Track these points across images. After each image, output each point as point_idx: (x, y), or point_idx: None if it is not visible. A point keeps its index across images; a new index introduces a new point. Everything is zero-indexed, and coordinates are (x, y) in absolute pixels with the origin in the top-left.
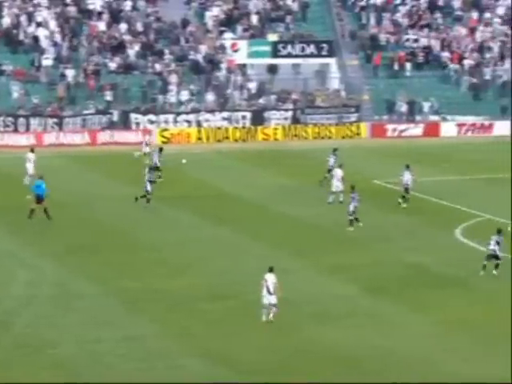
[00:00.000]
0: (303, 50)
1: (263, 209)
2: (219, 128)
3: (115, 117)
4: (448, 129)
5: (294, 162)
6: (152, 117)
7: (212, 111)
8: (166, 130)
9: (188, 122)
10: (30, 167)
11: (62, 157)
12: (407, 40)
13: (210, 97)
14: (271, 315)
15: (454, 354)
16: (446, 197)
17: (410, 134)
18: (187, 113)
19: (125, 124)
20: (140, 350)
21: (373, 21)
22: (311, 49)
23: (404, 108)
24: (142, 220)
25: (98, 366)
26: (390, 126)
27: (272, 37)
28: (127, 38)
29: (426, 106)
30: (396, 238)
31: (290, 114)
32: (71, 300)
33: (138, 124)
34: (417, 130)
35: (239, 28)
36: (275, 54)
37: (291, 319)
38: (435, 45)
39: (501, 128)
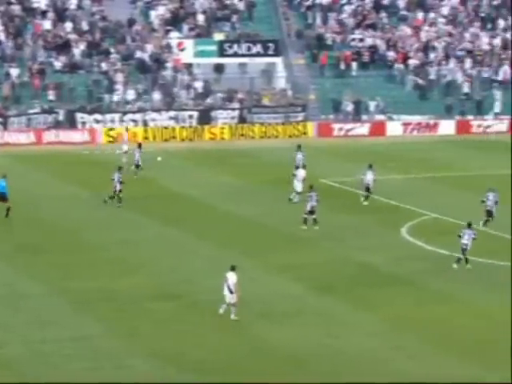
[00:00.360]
0: (249, 49)
1: (210, 208)
2: (166, 127)
3: (61, 116)
4: (394, 128)
5: (240, 162)
6: (98, 116)
7: (158, 110)
8: (112, 129)
9: (134, 121)
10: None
11: (6, 156)
12: (353, 40)
13: (157, 96)
14: (232, 315)
15: (400, 352)
16: (393, 196)
17: (356, 133)
18: (133, 112)
19: (70, 123)
20: (87, 349)
21: (319, 20)
22: (257, 48)
23: (350, 107)
24: (89, 220)
25: (44, 366)
26: (336, 126)
27: (218, 36)
28: (72, 36)
29: (372, 105)
30: (344, 237)
31: (236, 113)
32: (18, 300)
33: (83, 123)
34: (363, 129)
35: (185, 27)
36: (221, 53)
37: (239, 318)
38: (381, 44)
39: (446, 127)
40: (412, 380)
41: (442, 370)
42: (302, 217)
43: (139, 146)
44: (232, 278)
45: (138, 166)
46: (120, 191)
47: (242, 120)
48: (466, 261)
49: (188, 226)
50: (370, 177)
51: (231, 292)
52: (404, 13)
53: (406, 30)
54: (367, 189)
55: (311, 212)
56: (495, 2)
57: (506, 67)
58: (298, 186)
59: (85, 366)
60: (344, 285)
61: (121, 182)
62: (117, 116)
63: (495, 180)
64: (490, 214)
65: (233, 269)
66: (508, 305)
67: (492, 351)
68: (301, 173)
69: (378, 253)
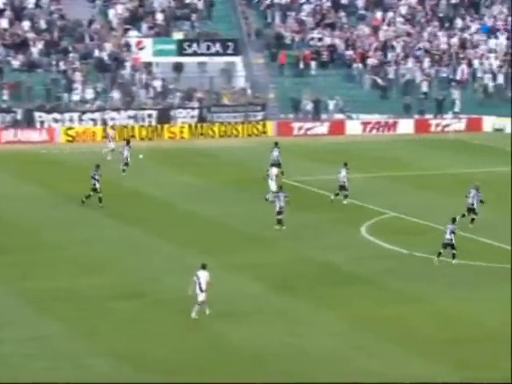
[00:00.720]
0: (209, 48)
1: (172, 208)
2: (125, 126)
3: (19, 115)
4: (353, 127)
5: (200, 161)
6: (57, 115)
7: (117, 110)
8: (70, 128)
9: (93, 120)
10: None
11: None
12: (312, 39)
13: (116, 95)
14: (194, 313)
15: (361, 351)
16: (353, 195)
17: (315, 132)
18: (92, 111)
19: (29, 123)
20: (46, 349)
21: (278, 19)
22: (217, 47)
23: (309, 106)
24: (48, 219)
25: (3, 366)
26: (295, 125)
27: (177, 35)
28: (30, 35)
29: (331, 104)
30: (305, 237)
31: (196, 112)
32: None
33: (42, 123)
34: (322, 128)
35: (144, 26)
36: (181, 52)
37: (200, 318)
38: (339, 44)
39: (404, 126)
40: (372, 379)
41: (402, 369)
42: (275, 218)
43: (128, 143)
44: (203, 276)
45: (126, 164)
46: (97, 190)
47: (202, 119)
48: (453, 256)
49: (148, 225)
50: (343, 174)
51: (202, 290)
52: (362, 12)
53: (364, 29)
54: (342, 187)
55: (279, 213)
56: (453, 2)
57: (464, 66)
58: (272, 184)
59: (44, 365)
60: (305, 284)
61: (98, 180)
62: (75, 115)
63: (454, 179)
64: (470, 211)
65: (204, 267)
66: (469, 304)
67: (451, 350)
68: (274, 171)
69: (338, 252)
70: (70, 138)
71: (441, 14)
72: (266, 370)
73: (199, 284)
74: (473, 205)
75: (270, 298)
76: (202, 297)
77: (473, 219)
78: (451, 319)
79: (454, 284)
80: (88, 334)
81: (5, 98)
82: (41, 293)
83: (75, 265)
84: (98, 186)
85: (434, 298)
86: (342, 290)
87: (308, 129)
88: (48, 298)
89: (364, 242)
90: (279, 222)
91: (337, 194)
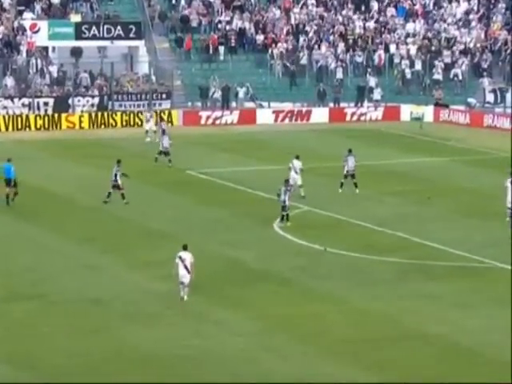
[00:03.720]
0: (109, 31)
1: (69, 203)
2: (19, 116)
3: None
4: (264, 116)
5: (102, 152)
6: None
7: (11, 98)
8: None
9: None
10: None
11: None
12: (220, 22)
13: (9, 82)
14: (186, 296)
15: (272, 352)
16: (263, 188)
17: (224, 121)
18: None
19: None
20: None
21: (183, 1)
22: (118, 31)
23: (218, 94)
24: None
25: None
26: (203, 113)
27: (75, 17)
28: None
29: (241, 92)
30: (212, 232)
31: (96, 100)
32: None
33: None
34: (232, 117)
35: (38, 7)
36: (79, 35)
37: (101, 319)
38: (249, 27)
39: (318, 115)
40: (282, 380)
41: (313, 369)
42: (280, 213)
43: (164, 132)
44: (188, 257)
45: (166, 153)
46: (122, 186)
47: (103, 108)
48: (287, 218)
49: (44, 221)
50: (351, 162)
51: (189, 272)
52: None
53: (275, 12)
54: (352, 176)
55: (283, 207)
56: None
57: (381, 52)
58: (297, 178)
59: None
60: (212, 282)
61: (120, 176)
62: None
63: (369, 170)
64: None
65: (185, 248)
66: (384, 302)
67: (367, 350)
68: (297, 163)
69: (248, 248)
70: None
71: None
72: (170, 372)
73: (185, 266)
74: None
75: (175, 298)
76: (187, 278)
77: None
78: (366, 318)
79: (369, 281)
80: None
81: None
82: None
83: None
84: (119, 182)
85: (348, 297)
86: (252, 288)
87: (216, 118)
88: None
89: (276, 238)
90: (286, 217)
91: (342, 184)
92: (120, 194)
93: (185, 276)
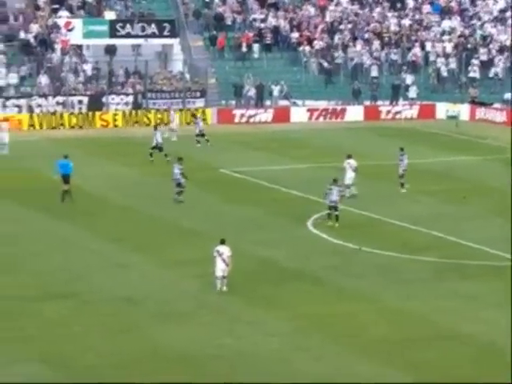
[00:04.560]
0: (143, 29)
1: (102, 201)
2: (53, 114)
3: None
4: (298, 114)
5: (135, 150)
6: None
7: (45, 96)
8: None
9: (18, 107)
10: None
11: None
12: (254, 20)
13: (43, 80)
14: (224, 287)
15: (304, 352)
16: (297, 186)
17: (258, 119)
18: (17, 97)
19: None
20: None
21: None
22: (152, 28)
23: (252, 92)
24: None
25: None
26: (237, 112)
27: (109, 15)
28: None
29: (276, 90)
30: (246, 231)
31: (130, 98)
32: None
33: None
34: (266, 115)
35: (73, 5)
36: (113, 33)
37: (133, 319)
38: (284, 25)
39: (353, 113)
40: (316, 380)
41: (347, 369)
42: (332, 215)
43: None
44: (226, 250)
45: (160, 148)
46: (184, 184)
47: (137, 106)
48: (337, 218)
49: (77, 219)
50: (406, 161)
51: (227, 265)
52: None
53: (310, 9)
54: (400, 176)
55: (334, 208)
56: None
57: (416, 50)
58: (352, 176)
59: None
60: (246, 281)
61: (182, 174)
62: None
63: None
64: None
65: (223, 242)
66: (419, 301)
67: (401, 350)
68: (353, 162)
69: (282, 247)
70: None
71: None
72: (202, 372)
73: (223, 259)
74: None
75: (207, 297)
76: (225, 271)
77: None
78: (400, 318)
79: (403, 280)
80: (12, 338)
81: None
82: None
83: None
84: (182, 180)
85: (382, 296)
86: (285, 287)
87: (250, 116)
88: None
89: (310, 237)
90: (333, 217)
91: (402, 184)
92: (179, 191)
93: (223, 269)
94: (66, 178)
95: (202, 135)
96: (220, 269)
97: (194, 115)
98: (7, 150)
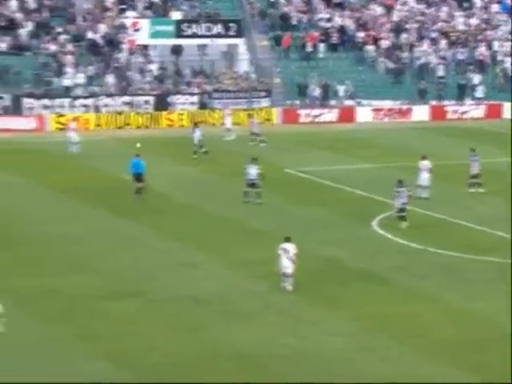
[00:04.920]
0: (209, 29)
1: (167, 200)
2: (120, 113)
3: (6, 102)
4: (364, 114)
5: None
6: (46, 101)
7: (112, 95)
8: (61, 115)
9: (85, 106)
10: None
11: None
12: (320, 19)
13: (110, 80)
14: (290, 286)
15: (369, 352)
16: (362, 186)
17: (323, 119)
18: (85, 97)
19: (16, 109)
20: (34, 353)
21: None
22: (218, 28)
23: (317, 92)
24: (31, 213)
25: None
26: (302, 111)
27: (175, 15)
28: (19, 16)
29: (341, 89)
30: (311, 231)
31: (196, 98)
32: None
33: (31, 109)
34: (331, 115)
35: (140, 6)
36: (179, 34)
37: (198, 318)
38: (350, 24)
39: (419, 113)
40: (380, 381)
41: (411, 370)
42: (396, 216)
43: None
44: (291, 248)
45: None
46: (259, 185)
47: (202, 105)
48: (405, 219)
49: (143, 218)
50: (478, 163)
51: (294, 262)
52: None
53: (376, 9)
54: (473, 176)
55: (403, 209)
56: None
57: (483, 49)
58: (426, 178)
59: (32, 371)
60: (310, 281)
61: (261, 175)
62: (66, 101)
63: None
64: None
65: (288, 240)
66: (486, 302)
67: (467, 351)
68: (427, 163)
69: (346, 247)
70: (61, 126)
71: None
72: (266, 371)
73: (289, 257)
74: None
75: (272, 297)
76: (291, 268)
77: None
78: (465, 318)
79: (468, 281)
80: (79, 336)
81: None
82: (25, 293)
83: (62, 261)
84: (258, 181)
85: (447, 296)
86: (349, 287)
87: (315, 116)
88: (34, 298)
89: (374, 237)
90: (402, 218)
91: (475, 184)
92: (255, 192)
93: (288, 267)
94: (138, 177)
95: (258, 135)
96: (285, 266)
97: (249, 115)
98: (77, 149)
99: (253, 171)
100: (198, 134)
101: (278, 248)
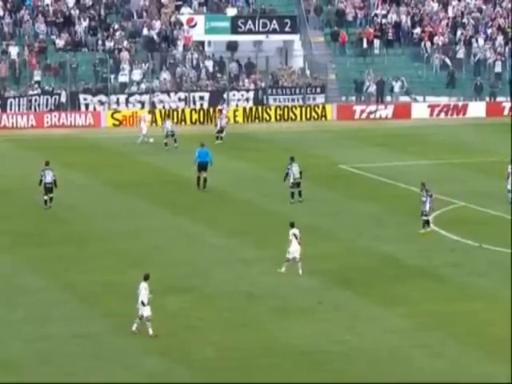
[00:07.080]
0: (265, 25)
1: (222, 196)
2: (175, 109)
3: (63, 98)
4: (419, 110)
5: (255, 146)
6: (102, 97)
7: (167, 92)
8: (117, 111)
9: (141, 103)
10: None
11: (5, 140)
12: (376, 15)
13: (165, 76)
14: (300, 270)
15: (425, 350)
16: (417, 183)
17: (379, 115)
18: (140, 93)
19: (73, 105)
20: (92, 347)
21: None
22: (273, 25)
23: (373, 88)
24: (92, 209)
25: (46, 364)
26: (357, 108)
27: (231, 12)
28: (75, 12)
29: (397, 86)
30: (365, 227)
31: (251, 94)
32: (16, 294)
33: (87, 105)
34: (386, 111)
35: (196, 2)
36: (235, 30)
37: (252, 314)
38: (406, 21)
39: (475, 109)
40: (436, 379)
41: (468, 369)
42: (421, 220)
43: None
44: (297, 232)
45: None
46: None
47: (257, 102)
48: (428, 223)
49: (198, 214)
50: None
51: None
52: None
53: (432, 5)
54: None
55: (425, 214)
56: None
57: None
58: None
59: (90, 364)
60: (365, 278)
61: (300, 173)
62: (122, 97)
63: None
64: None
65: (293, 225)
66: None
67: None
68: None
69: (401, 244)
70: (117, 122)
71: None
72: (321, 367)
73: (299, 241)
74: None
75: (326, 293)
76: (298, 252)
77: None
78: None
79: None
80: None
81: (48, 79)
82: (85, 287)
83: (121, 257)
84: (301, 180)
85: (503, 294)
86: (404, 284)
87: (371, 112)
88: (93, 293)
89: (430, 234)
90: (427, 223)
91: None
92: (298, 191)
93: (298, 251)
94: (203, 166)
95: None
96: (296, 250)
97: (219, 110)
98: (142, 140)
99: (296, 170)
100: (168, 125)
101: (290, 234)
